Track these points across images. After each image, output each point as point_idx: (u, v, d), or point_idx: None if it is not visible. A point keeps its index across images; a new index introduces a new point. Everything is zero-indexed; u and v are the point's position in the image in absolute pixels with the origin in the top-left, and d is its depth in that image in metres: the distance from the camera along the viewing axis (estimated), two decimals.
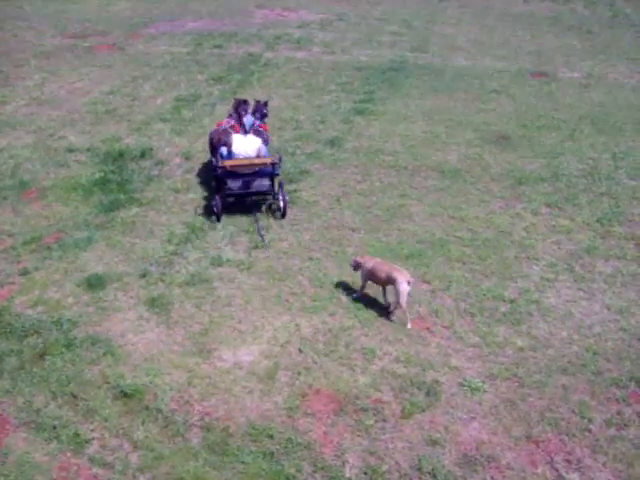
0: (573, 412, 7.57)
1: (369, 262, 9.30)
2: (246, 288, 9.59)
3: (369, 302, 9.30)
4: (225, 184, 11.55)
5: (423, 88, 18.31)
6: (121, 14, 27.57)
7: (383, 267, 9.15)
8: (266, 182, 11.70)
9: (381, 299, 9.30)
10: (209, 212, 11.48)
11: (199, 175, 13.05)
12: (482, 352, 8.46)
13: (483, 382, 7.94)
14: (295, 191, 12.33)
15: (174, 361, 8.20)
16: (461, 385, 7.90)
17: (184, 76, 19.10)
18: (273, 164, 11.63)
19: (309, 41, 23.37)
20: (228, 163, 11.50)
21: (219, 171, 11.46)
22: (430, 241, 10.82)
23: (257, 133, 12.39)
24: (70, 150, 14.09)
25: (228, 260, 10.20)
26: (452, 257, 10.40)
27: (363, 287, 9.42)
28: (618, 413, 7.59)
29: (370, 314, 9.07)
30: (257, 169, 11.63)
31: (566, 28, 26.61)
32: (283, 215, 11.48)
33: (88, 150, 14.08)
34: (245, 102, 13.10)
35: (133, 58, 20.99)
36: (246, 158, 11.76)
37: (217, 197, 11.42)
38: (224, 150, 11.82)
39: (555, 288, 9.77)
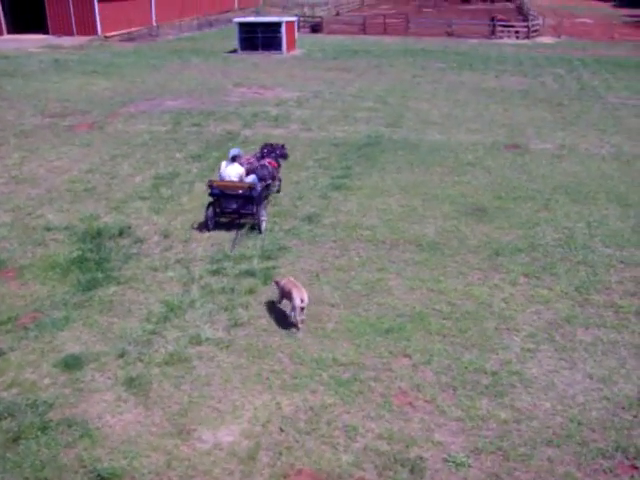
0: None
1: (282, 281, 10.87)
2: (226, 367, 9.49)
3: (350, 379, 9.22)
4: (216, 200, 14.04)
5: (399, 162, 18.61)
6: (101, 94, 27.94)
7: (287, 284, 10.64)
8: (248, 204, 13.92)
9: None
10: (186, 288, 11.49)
11: (178, 253, 13.03)
12: (465, 426, 8.36)
13: (468, 457, 7.84)
14: (274, 268, 12.34)
15: (153, 443, 8.04)
16: (445, 461, 7.79)
17: (163, 154, 19.27)
18: (250, 188, 13.72)
19: (286, 118, 23.76)
20: (215, 182, 13.99)
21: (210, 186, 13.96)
22: (410, 315, 10.81)
23: (262, 167, 14.93)
24: (48, 229, 14.06)
25: (207, 339, 10.10)
26: (432, 330, 10.38)
27: (278, 302, 10.99)
28: None
29: (351, 391, 8.97)
30: (239, 191, 13.81)
31: (537, 101, 27.31)
32: (260, 231, 13.83)
33: (66, 228, 14.04)
34: (271, 145, 16.28)
35: (112, 137, 21.19)
36: (229, 180, 14.09)
37: (209, 211, 14.00)
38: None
39: (536, 358, 9.76)
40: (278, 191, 16.06)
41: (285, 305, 10.89)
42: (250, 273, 12.07)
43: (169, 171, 17.70)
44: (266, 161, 15.29)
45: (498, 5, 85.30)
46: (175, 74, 32.89)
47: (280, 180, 16.13)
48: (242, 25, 41.63)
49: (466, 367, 9.50)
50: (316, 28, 54.61)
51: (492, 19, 54.31)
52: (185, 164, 18.37)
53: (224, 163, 14.41)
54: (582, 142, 21.19)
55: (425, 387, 9.07)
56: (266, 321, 10.62)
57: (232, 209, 14.11)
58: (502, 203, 15.65)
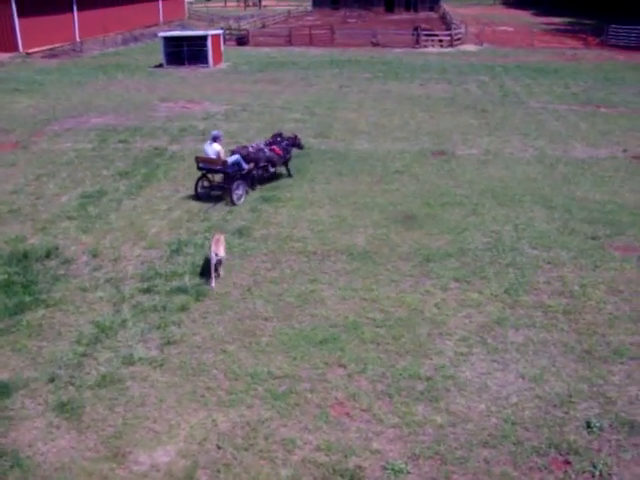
0: None
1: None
2: (160, 386, 9.35)
3: (286, 392, 9.19)
4: (203, 175, 16.96)
5: (328, 173, 18.70)
6: (24, 112, 27.31)
7: (212, 240, 12.52)
8: (226, 178, 16.69)
9: None
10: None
11: (108, 272, 12.80)
12: (403, 433, 8.42)
13: (406, 463, 7.89)
14: (205, 284, 12.25)
15: (87, 468, 7.85)
16: (384, 468, 7.83)
17: (89, 172, 18.93)
18: (224, 164, 16.41)
19: None
20: (200, 157, 16.82)
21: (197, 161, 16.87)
22: (343, 324, 10.84)
23: (258, 151, 17.34)
24: None
25: (140, 358, 9.94)
26: (366, 339, 10.43)
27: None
28: None
29: (288, 403, 8.95)
30: (217, 167, 16.61)
31: (462, 108, 27.82)
32: (232, 202, 16.22)
33: None
34: (280, 135, 18.46)
35: (37, 156, 20.72)
36: (207, 157, 16.73)
37: (197, 183, 16.92)
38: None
39: (469, 362, 9.89)
40: (290, 175, 18.42)
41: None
42: (182, 290, 11.94)
43: (96, 189, 17.40)
44: (269, 147, 17.66)
45: (422, 14, 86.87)
46: (100, 90, 32.42)
47: (285, 165, 18.47)
48: (167, 39, 41.33)
49: (401, 374, 9.57)
50: (242, 41, 54.62)
51: (416, 29, 55.16)
52: (112, 182, 18.09)
53: (207, 142, 16.99)
54: (506, 147, 21.68)
55: (361, 396, 9.10)
56: (200, 338, 10.52)
57: (216, 183, 17.04)
58: (431, 210, 15.87)
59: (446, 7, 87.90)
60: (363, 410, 8.84)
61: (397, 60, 43.67)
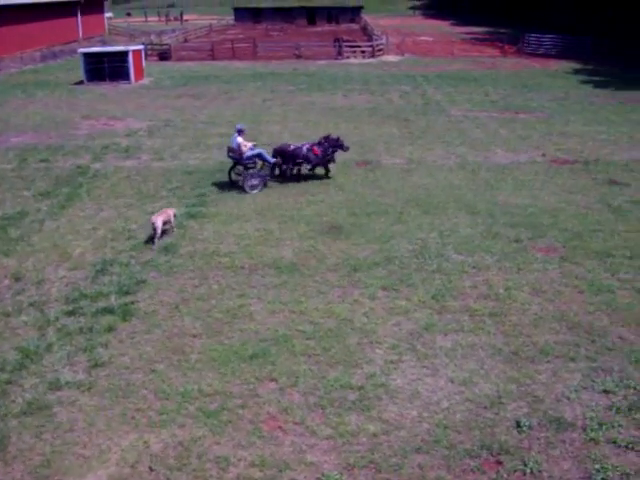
0: None
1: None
2: (88, 410, 9.14)
3: (218, 409, 9.10)
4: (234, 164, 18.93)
5: None
6: None
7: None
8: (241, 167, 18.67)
9: None
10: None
11: (31, 296, 12.47)
12: (336, 443, 8.43)
13: (341, 474, 7.89)
14: (132, 303, 12.04)
15: None
16: None
17: (9, 193, 18.44)
18: (240, 155, 18.28)
19: (137, 149, 23.36)
20: (229, 147, 18.89)
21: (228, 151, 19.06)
22: (273, 338, 10.80)
23: (295, 149, 19.01)
24: None
25: (67, 382, 9.70)
26: (296, 352, 10.41)
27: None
28: None
29: (220, 421, 8.86)
30: (236, 157, 18.52)
31: (385, 118, 28.16)
32: (244, 191, 18.03)
33: None
34: (327, 137, 19.57)
35: None
36: (230, 147, 18.72)
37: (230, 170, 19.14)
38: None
39: (400, 369, 9.98)
40: (327, 175, 19.52)
41: None
42: (108, 310, 11.73)
43: (17, 210, 16.96)
44: (307, 147, 19.03)
45: (343, 26, 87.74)
46: (19, 109, 31.64)
47: (323, 166, 19.52)
48: (87, 55, 40.62)
49: (332, 385, 9.58)
50: (164, 56, 54.13)
51: (337, 40, 55.66)
52: (34, 202, 17.66)
53: (234, 135, 18.52)
54: (429, 155, 22.02)
55: (294, 409, 9.08)
56: (128, 358, 10.34)
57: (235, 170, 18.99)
58: (357, 219, 15.98)
59: (367, 19, 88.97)
60: (296, 423, 8.82)
61: (320, 72, 43.95)
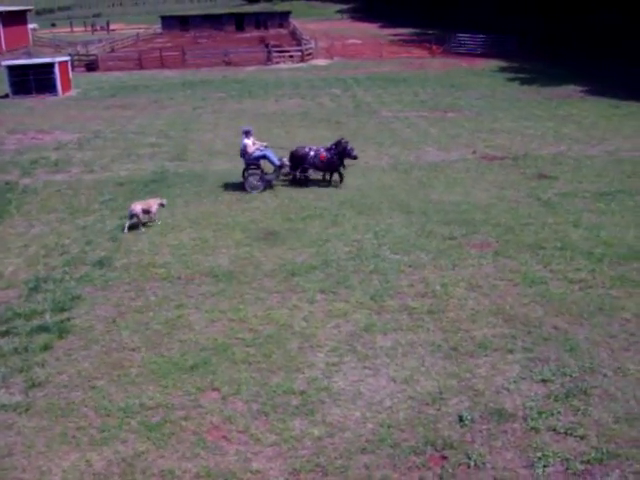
0: None
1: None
2: (27, 432, 8.90)
3: (160, 422, 8.98)
4: None
5: (187, 196, 18.49)
6: None
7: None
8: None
9: None
10: None
11: None
12: (281, 449, 8.40)
13: (287, 479, 7.88)
14: (68, 319, 11.78)
15: None
16: None
17: None
18: (242, 155, 18.85)
19: (67, 162, 22.91)
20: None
21: None
22: (213, 347, 10.70)
23: (301, 153, 19.03)
24: None
25: (3, 405, 9.44)
26: (237, 360, 10.34)
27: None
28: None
29: (163, 434, 8.74)
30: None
31: (316, 121, 28.28)
32: (244, 189, 18.63)
33: None
34: (339, 142, 19.09)
35: None
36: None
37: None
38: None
39: (341, 371, 10.00)
40: (341, 180, 19.10)
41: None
42: (43, 328, 11.45)
43: None
44: (315, 152, 18.80)
45: (272, 31, 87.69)
46: None
47: (334, 173, 19.23)
48: (12, 68, 39.67)
49: (275, 391, 9.55)
50: (92, 66, 53.28)
51: (266, 45, 55.68)
52: None
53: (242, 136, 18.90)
54: (362, 156, 22.03)
55: (237, 418, 9.02)
56: (66, 376, 10.11)
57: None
58: (292, 224, 15.98)
59: (296, 23, 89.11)
60: (240, 432, 8.76)
61: (250, 78, 43.88)
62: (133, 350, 10.76)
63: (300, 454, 8.31)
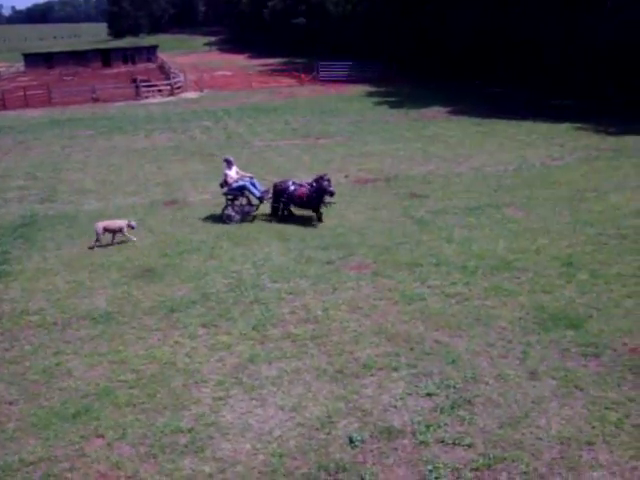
0: None
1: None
2: None
3: (43, 476, 8.58)
4: None
5: (59, 238, 17.85)
6: None
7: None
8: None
9: None
10: None
11: None
12: None
13: None
14: None
15: None
16: None
17: None
18: (221, 185, 19.02)
19: None
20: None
21: None
22: (95, 393, 10.34)
23: (280, 187, 18.41)
24: None
25: None
26: (121, 403, 10.03)
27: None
28: None
29: None
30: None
31: (189, 154, 28.10)
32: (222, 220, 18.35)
33: None
34: (321, 177, 17.92)
35: None
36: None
37: None
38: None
39: (229, 404, 9.89)
40: (319, 219, 18.12)
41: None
42: None
43: None
44: (296, 186, 18.14)
45: (140, 66, 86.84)
46: None
47: (312, 209, 18.25)
48: None
49: (162, 431, 9.34)
50: None
51: (134, 80, 55.00)
52: None
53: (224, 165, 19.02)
54: None
55: (125, 463, 8.75)
56: None
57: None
58: (169, 260, 15.74)
59: (164, 57, 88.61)
60: (129, 477, 8.50)
61: (120, 114, 43.18)
62: (10, 403, 10.25)
63: None
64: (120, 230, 16.98)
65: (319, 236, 16.81)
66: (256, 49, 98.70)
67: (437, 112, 37.32)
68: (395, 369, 10.57)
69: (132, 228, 17.12)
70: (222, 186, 18.93)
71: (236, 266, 15.11)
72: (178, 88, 53.52)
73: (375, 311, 12.59)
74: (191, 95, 51.91)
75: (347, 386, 10.17)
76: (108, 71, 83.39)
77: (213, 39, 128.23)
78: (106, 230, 16.85)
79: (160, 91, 53.36)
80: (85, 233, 18.03)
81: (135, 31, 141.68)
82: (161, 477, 8.46)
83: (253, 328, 12.13)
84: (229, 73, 66.48)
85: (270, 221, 18.31)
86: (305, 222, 17.99)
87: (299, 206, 18.38)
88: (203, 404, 9.93)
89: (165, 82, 56.42)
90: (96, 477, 8.53)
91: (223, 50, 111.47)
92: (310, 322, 12.28)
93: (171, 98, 51.06)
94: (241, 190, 18.63)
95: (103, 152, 29.96)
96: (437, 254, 15.19)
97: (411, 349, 11.13)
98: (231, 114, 39.58)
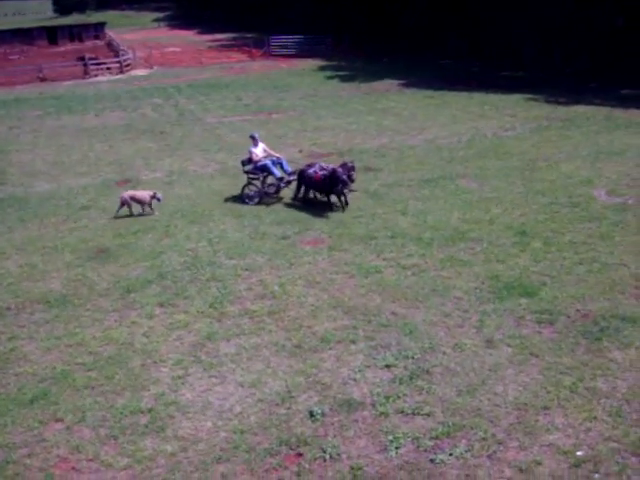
0: None
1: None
2: None
3: (2, 465, 8.49)
4: None
5: (10, 221, 17.54)
6: None
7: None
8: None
9: None
10: None
11: None
12: (135, 471, 8.25)
13: None
14: None
15: None
16: None
17: None
18: (243, 163, 18.63)
19: None
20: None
21: None
22: (52, 377, 10.26)
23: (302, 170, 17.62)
24: None
25: None
26: (79, 386, 9.98)
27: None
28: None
29: (6, 477, 8.28)
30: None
31: (140, 133, 27.66)
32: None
33: None
34: (343, 164, 17.28)
35: None
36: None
37: None
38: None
39: (188, 383, 9.92)
40: (342, 208, 16.87)
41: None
42: None
43: None
44: (317, 169, 17.10)
45: (88, 44, 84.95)
46: None
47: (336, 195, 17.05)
48: None
49: (122, 412, 9.32)
50: None
51: (82, 58, 53.89)
52: None
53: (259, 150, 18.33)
54: (189, 165, 21.98)
55: (85, 446, 8.73)
56: None
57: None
58: (123, 240, 15.59)
59: (112, 34, 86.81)
60: (90, 460, 8.50)
61: (68, 93, 42.25)
62: None
63: (155, 473, 8.19)
64: (144, 201, 17.10)
65: (274, 212, 16.79)
66: (206, 25, 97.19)
67: (390, 85, 37.28)
68: (353, 342, 10.67)
69: (158, 200, 17.09)
70: (244, 164, 18.47)
71: (191, 244, 15.03)
72: (127, 66, 52.53)
73: (332, 285, 12.65)
74: (141, 72, 51.02)
75: (306, 360, 10.26)
76: (55, 49, 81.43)
77: (162, 15, 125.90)
78: (133, 199, 17.05)
79: (109, 69, 52.30)
80: (37, 216, 17.73)
81: (81, 8, 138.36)
82: (122, 458, 8.46)
83: (210, 306, 12.11)
84: (179, 49, 65.41)
85: (226, 200, 18.17)
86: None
87: (317, 190, 17.61)
88: (162, 383, 9.92)
89: (114, 60, 55.29)
90: (56, 461, 8.51)
91: (172, 26, 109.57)
92: (267, 298, 12.29)
93: (120, 76, 50.13)
94: (262, 169, 18.02)
95: (52, 132, 29.33)
96: (392, 227, 15.27)
97: (369, 322, 11.24)
98: (182, 91, 39.05)
